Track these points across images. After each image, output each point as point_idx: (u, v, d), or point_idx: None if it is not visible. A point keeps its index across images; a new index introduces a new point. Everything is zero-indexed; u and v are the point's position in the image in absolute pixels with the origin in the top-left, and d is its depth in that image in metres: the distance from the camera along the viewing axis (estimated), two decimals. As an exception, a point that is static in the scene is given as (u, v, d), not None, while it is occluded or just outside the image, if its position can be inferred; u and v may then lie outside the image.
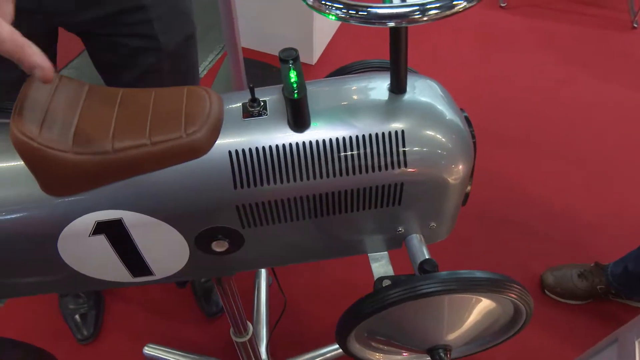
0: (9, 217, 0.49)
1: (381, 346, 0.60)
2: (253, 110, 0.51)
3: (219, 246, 0.55)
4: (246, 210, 0.52)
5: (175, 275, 0.59)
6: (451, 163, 0.53)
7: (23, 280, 0.57)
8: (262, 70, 2.08)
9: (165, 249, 0.55)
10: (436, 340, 0.56)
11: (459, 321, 0.55)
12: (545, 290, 1.48)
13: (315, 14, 1.94)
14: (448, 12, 0.41)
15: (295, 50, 0.51)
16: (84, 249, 0.53)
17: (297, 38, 2.03)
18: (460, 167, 0.54)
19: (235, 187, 0.50)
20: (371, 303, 0.52)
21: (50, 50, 0.85)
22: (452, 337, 0.56)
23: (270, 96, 0.54)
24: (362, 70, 0.71)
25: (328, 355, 1.29)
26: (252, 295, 1.42)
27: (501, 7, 2.34)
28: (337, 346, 1.30)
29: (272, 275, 1.00)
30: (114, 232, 0.52)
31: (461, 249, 1.49)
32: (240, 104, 0.53)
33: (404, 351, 0.62)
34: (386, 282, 0.58)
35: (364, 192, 0.53)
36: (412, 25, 0.43)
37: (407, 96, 0.52)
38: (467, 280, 0.51)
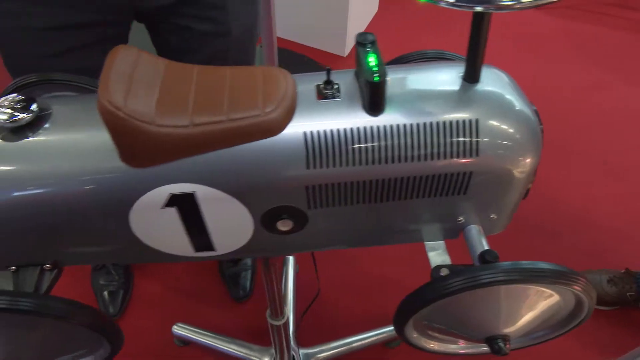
0: (87, 186, 0.51)
1: (437, 335, 0.61)
2: (327, 93, 0.52)
3: (284, 225, 0.56)
4: (315, 190, 0.53)
5: (235, 252, 0.60)
6: (521, 155, 0.53)
7: (90, 249, 0.59)
8: (293, 60, 2.08)
9: (230, 225, 0.56)
10: (494, 331, 0.56)
11: (518, 312, 0.55)
12: (573, 294, 1.46)
13: (351, 4, 1.94)
14: (541, 2, 0.41)
15: (372, 34, 0.51)
16: (153, 221, 0.54)
17: (330, 29, 2.03)
18: (529, 160, 0.54)
19: (307, 167, 0.51)
20: (434, 290, 0.52)
21: (124, 37, 0.86)
22: (510, 328, 0.56)
23: (341, 80, 0.54)
24: (420, 59, 0.72)
25: (354, 345, 1.30)
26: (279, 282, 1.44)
27: (536, 7, 2.31)
28: (363, 336, 1.31)
29: (313, 262, 1.00)
30: (185, 206, 0.53)
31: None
32: (314, 85, 0.53)
33: (460, 340, 0.63)
34: (444, 271, 0.58)
35: (432, 180, 0.53)
36: (501, 11, 0.43)
37: (480, 86, 0.53)
38: (531, 271, 0.51)
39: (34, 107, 0.51)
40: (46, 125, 0.52)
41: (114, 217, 0.53)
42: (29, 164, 0.50)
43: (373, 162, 0.51)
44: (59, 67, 0.78)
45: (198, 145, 0.49)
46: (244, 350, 1.30)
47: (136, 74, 0.49)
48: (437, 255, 0.61)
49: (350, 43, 2.12)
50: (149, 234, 0.56)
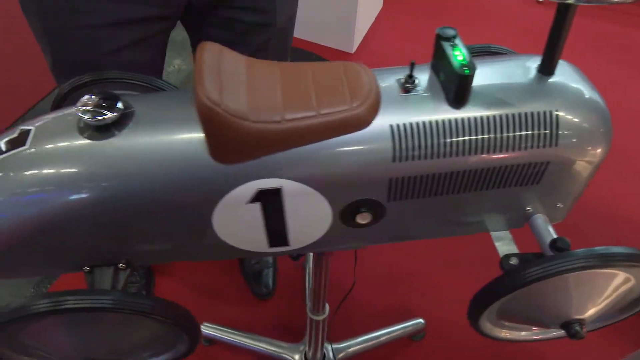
0: (175, 183, 0.51)
1: (509, 323, 0.62)
2: (409, 87, 0.53)
3: (363, 218, 0.57)
4: (398, 183, 0.54)
5: (307, 247, 0.61)
6: (595, 145, 0.54)
7: (166, 247, 0.59)
8: (301, 57, 2.09)
9: (309, 220, 0.57)
10: (569, 316, 0.58)
11: (592, 296, 0.57)
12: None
13: (360, 2, 1.95)
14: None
15: (453, 28, 0.52)
16: (235, 217, 0.54)
17: (338, 26, 2.04)
18: (600, 150, 0.55)
19: (393, 160, 0.52)
20: (513, 280, 0.54)
21: (168, 34, 0.85)
22: (585, 312, 0.58)
23: (416, 74, 0.55)
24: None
25: (382, 338, 1.32)
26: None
27: (538, 2, 2.35)
28: (390, 329, 1.33)
29: (354, 257, 1.00)
30: (270, 201, 0.53)
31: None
32: (394, 80, 0.54)
33: (532, 327, 0.64)
34: (513, 260, 0.60)
35: (511, 170, 0.54)
36: (589, 4, 0.45)
37: (556, 78, 0.54)
38: (607, 256, 0.53)
39: (119, 105, 0.51)
40: (131, 124, 0.52)
41: (198, 214, 0.54)
42: (116, 162, 0.50)
43: (457, 154, 0.52)
44: (109, 65, 0.77)
45: (288, 141, 0.50)
46: (273, 348, 1.30)
47: (223, 70, 0.50)
48: (504, 244, 0.62)
49: (357, 40, 2.13)
50: (228, 230, 0.56)
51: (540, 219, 0.61)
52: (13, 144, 0.53)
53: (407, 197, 0.56)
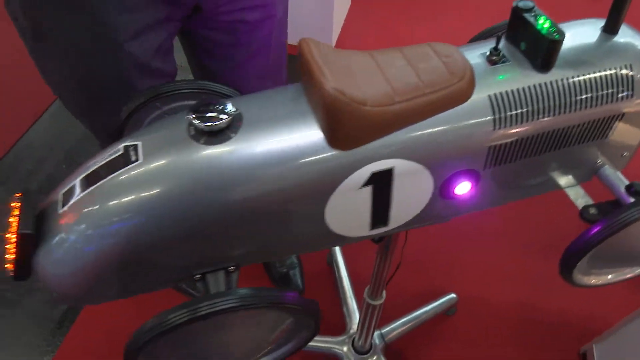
0: (297, 175, 0.52)
1: (597, 270, 0.67)
2: (496, 59, 0.56)
3: (461, 189, 0.60)
4: (495, 150, 0.57)
5: (404, 225, 0.63)
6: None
7: (274, 246, 0.60)
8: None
9: (411, 196, 0.59)
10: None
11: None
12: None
13: (335, 1, 1.99)
14: None
15: (531, 0, 0.56)
16: (347, 203, 0.56)
17: (316, 26, 2.07)
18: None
19: (494, 128, 0.55)
20: (609, 225, 0.58)
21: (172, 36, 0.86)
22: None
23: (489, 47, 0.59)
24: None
25: (422, 317, 1.36)
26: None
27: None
28: (427, 308, 1.37)
29: (405, 237, 1.02)
30: (381, 183, 0.56)
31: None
32: (479, 54, 0.58)
33: (619, 269, 0.69)
34: (592, 210, 0.64)
35: (592, 124, 0.59)
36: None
37: (621, 37, 0.59)
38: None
39: (230, 108, 0.52)
40: (242, 125, 0.53)
41: (314, 205, 0.55)
42: (239, 164, 0.51)
43: (548, 115, 0.56)
44: (136, 79, 0.78)
45: (401, 121, 0.52)
46: (320, 344, 1.31)
47: (331, 62, 0.51)
48: (580, 197, 0.67)
49: (335, 35, 2.17)
50: (337, 218, 0.58)
51: (609, 170, 0.66)
52: (124, 161, 0.53)
53: (500, 164, 0.59)
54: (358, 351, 1.25)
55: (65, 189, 0.56)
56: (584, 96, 0.56)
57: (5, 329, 1.41)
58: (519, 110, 0.55)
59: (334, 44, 2.16)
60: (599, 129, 0.60)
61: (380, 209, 0.59)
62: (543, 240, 1.59)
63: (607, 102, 0.57)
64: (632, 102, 0.58)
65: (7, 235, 0.58)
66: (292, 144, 0.52)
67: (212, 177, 0.51)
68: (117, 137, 0.71)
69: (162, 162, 0.52)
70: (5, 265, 0.59)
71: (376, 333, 1.30)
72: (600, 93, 0.57)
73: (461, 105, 0.54)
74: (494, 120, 0.55)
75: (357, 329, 1.19)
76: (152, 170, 0.52)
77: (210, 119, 0.51)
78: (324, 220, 0.58)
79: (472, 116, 0.55)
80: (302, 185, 0.53)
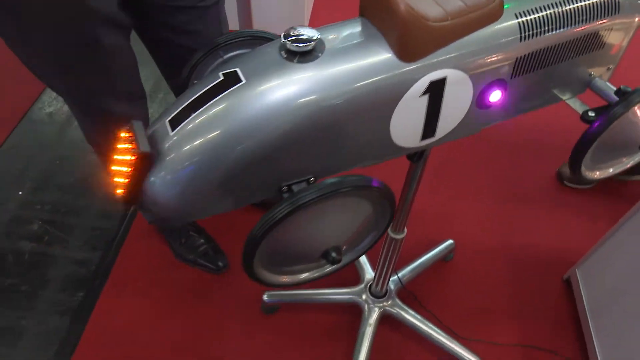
0: (372, 86, 0.63)
1: (599, 165, 0.81)
2: (516, -14, 0.70)
3: (495, 96, 0.73)
4: (522, 60, 0.71)
5: (446, 135, 0.76)
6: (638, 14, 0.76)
7: (344, 156, 0.70)
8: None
9: (455, 106, 0.72)
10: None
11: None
12: (564, 182, 1.79)
13: (305, -10, 2.11)
14: None
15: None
16: (408, 111, 0.68)
17: (290, 13, 2.19)
18: (637, 19, 0.77)
19: (520, 40, 0.69)
20: (606, 119, 0.73)
21: None
22: None
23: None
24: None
25: (425, 263, 1.49)
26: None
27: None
28: (429, 255, 1.50)
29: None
30: (435, 92, 0.68)
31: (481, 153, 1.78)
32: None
33: (619, 159, 0.84)
34: (591, 113, 0.80)
35: (591, 37, 0.74)
36: None
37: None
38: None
39: (314, 33, 0.63)
40: (325, 48, 0.63)
41: (383, 114, 0.66)
42: (329, 77, 0.62)
43: (563, 27, 0.70)
44: None
45: (453, 35, 0.65)
46: (338, 296, 1.41)
47: None
48: (578, 106, 0.82)
49: (307, 22, 2.29)
50: (398, 127, 0.69)
51: (599, 81, 0.82)
52: (228, 84, 0.62)
53: (522, 74, 0.73)
54: (375, 296, 1.37)
55: (170, 117, 0.64)
56: (585, 16, 0.71)
57: (24, 321, 1.41)
58: (539, 24, 0.69)
59: (306, 22, 2.29)
60: (595, 41, 0.75)
61: (432, 119, 0.71)
62: (520, 190, 1.78)
63: (600, 18, 0.73)
64: (617, 17, 0.74)
65: (116, 158, 0.65)
66: (369, 60, 0.64)
67: (309, 89, 0.61)
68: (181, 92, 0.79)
69: (265, 79, 0.61)
70: (117, 191, 0.66)
71: (396, 275, 1.41)
72: (596, 12, 0.72)
73: (496, 22, 0.67)
74: (520, 34, 0.69)
75: (375, 273, 1.30)
76: (258, 87, 0.61)
77: (302, 41, 0.62)
78: (388, 130, 0.69)
79: (504, 31, 0.68)
80: (377, 96, 0.64)
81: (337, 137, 0.66)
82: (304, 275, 0.75)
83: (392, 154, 0.75)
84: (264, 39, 0.78)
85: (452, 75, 0.67)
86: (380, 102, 0.65)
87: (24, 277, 1.49)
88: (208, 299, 1.47)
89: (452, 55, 0.66)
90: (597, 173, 0.82)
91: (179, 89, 0.81)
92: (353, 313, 1.42)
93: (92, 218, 1.65)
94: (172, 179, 0.63)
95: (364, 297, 1.38)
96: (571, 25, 0.71)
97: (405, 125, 0.70)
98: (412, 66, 0.65)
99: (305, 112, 0.62)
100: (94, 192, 1.71)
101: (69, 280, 1.49)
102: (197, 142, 0.62)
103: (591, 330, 1.36)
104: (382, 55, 0.64)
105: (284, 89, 0.61)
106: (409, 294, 1.47)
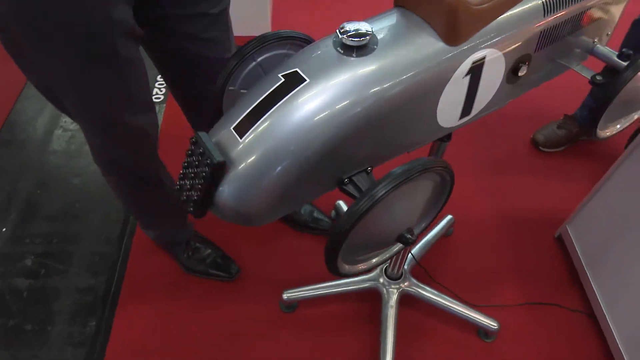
0: (425, 71, 0.67)
1: (610, 123, 0.89)
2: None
3: (521, 71, 0.78)
4: (545, 33, 0.76)
5: (481, 111, 0.80)
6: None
7: (396, 142, 0.73)
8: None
9: (489, 84, 0.76)
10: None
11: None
12: (540, 147, 1.91)
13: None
14: None
15: None
16: (453, 93, 0.72)
17: (253, 11, 2.18)
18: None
19: (544, 15, 0.74)
20: (620, 80, 0.80)
21: None
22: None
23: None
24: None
25: (431, 241, 1.55)
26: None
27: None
28: (433, 233, 1.56)
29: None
30: (476, 72, 0.72)
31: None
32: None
33: (630, 115, 0.92)
34: (598, 76, 0.87)
35: (601, 4, 0.80)
36: None
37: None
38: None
39: (367, 28, 0.65)
40: (378, 41, 0.66)
41: (432, 97, 0.70)
42: (387, 67, 0.65)
43: (574, 3, 0.77)
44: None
45: (490, 16, 0.69)
46: (360, 284, 1.44)
47: None
48: (585, 71, 0.89)
49: (271, 24, 2.30)
50: (443, 109, 0.73)
51: (600, 47, 0.89)
52: (292, 85, 0.63)
53: (544, 47, 0.79)
54: (392, 278, 1.41)
55: (234, 124, 0.65)
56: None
57: None
58: (561, 2, 0.75)
59: (270, 28, 2.29)
60: (600, 9, 0.82)
61: (471, 98, 0.76)
62: (500, 159, 1.88)
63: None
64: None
65: (186, 173, 0.65)
66: (420, 48, 0.67)
67: (372, 79, 0.64)
68: (218, 101, 0.79)
69: (330, 76, 0.63)
70: (190, 205, 0.66)
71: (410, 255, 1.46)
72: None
73: (521, 3, 0.73)
74: (544, 8, 0.74)
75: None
76: (324, 83, 0.63)
77: (358, 35, 0.64)
78: (435, 112, 0.73)
79: (530, 8, 0.73)
80: (430, 79, 0.68)
81: (395, 124, 0.69)
82: (375, 259, 0.78)
83: (435, 136, 0.79)
84: (296, 38, 0.79)
85: (489, 54, 0.72)
86: (432, 87, 0.69)
87: (27, 315, 1.42)
88: (225, 307, 1.46)
89: (490, 35, 0.71)
90: (608, 131, 0.90)
91: (199, 98, 0.81)
92: (371, 299, 1.46)
93: (89, 243, 1.59)
94: (247, 185, 0.64)
95: (381, 280, 1.42)
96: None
97: (449, 106, 0.74)
98: (459, 49, 0.68)
99: (370, 103, 0.64)
100: (85, 217, 1.65)
101: (76, 310, 1.44)
102: (270, 146, 0.63)
103: (589, 278, 1.47)
104: (432, 42, 0.67)
105: (351, 83, 0.63)
106: (420, 271, 1.52)
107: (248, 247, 1.59)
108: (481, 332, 1.43)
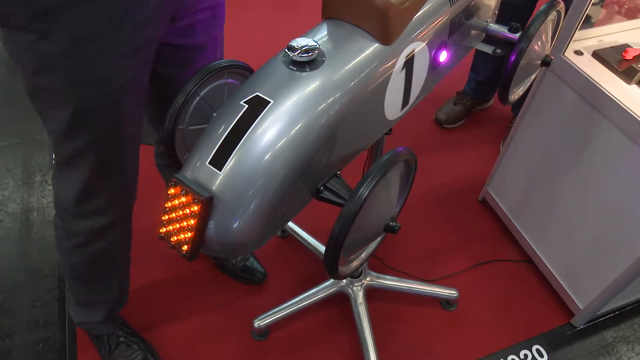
0: (370, 74, 0.72)
1: (516, 88, 1.02)
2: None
3: (442, 56, 0.87)
4: (453, 20, 0.86)
5: (414, 102, 0.88)
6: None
7: (355, 144, 0.78)
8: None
9: (419, 73, 0.84)
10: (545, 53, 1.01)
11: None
12: (444, 125, 2.09)
13: None
14: None
15: None
16: (394, 87, 0.79)
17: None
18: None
19: (450, 5, 0.84)
20: (520, 49, 0.92)
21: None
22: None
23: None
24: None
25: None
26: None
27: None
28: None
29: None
30: (409, 65, 0.79)
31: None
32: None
33: (529, 77, 1.05)
34: (498, 50, 0.99)
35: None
36: None
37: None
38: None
39: (313, 43, 0.69)
40: (325, 54, 0.70)
41: (379, 95, 0.76)
42: (338, 78, 0.69)
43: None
44: (123, 96, 0.84)
45: (411, 14, 0.77)
46: (325, 292, 1.46)
47: None
48: (486, 48, 1.01)
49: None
50: (388, 102, 0.80)
51: (492, 25, 1.02)
52: (257, 108, 0.65)
53: (453, 33, 0.89)
54: (354, 277, 1.46)
55: (209, 158, 0.65)
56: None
57: None
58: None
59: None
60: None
61: (407, 88, 0.83)
62: (411, 141, 2.03)
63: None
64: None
65: (173, 217, 0.64)
66: (363, 52, 0.72)
67: (328, 91, 0.68)
68: (170, 142, 0.79)
69: (291, 93, 0.66)
70: (182, 248, 0.65)
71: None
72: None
73: (430, -2, 0.82)
74: (450, 1, 0.84)
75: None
76: (287, 103, 0.65)
77: (307, 51, 0.68)
78: (383, 107, 0.79)
79: (438, 3, 0.82)
80: (376, 77, 0.74)
81: (356, 126, 0.74)
82: (364, 254, 0.82)
83: (384, 129, 0.85)
84: (231, 67, 0.81)
85: (417, 46, 0.79)
86: (379, 84, 0.75)
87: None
88: None
89: (414, 30, 0.78)
90: (515, 95, 1.02)
91: (165, 143, 0.80)
92: (340, 302, 1.50)
93: (27, 332, 1.44)
94: (236, 215, 0.65)
95: (345, 282, 1.46)
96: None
97: (393, 99, 0.81)
98: (392, 47, 0.75)
99: (334, 110, 0.68)
100: (16, 304, 1.49)
101: (35, 407, 1.30)
102: (250, 173, 0.64)
103: (518, 229, 1.64)
104: (370, 45, 0.73)
105: (313, 96, 0.67)
106: (377, 263, 1.59)
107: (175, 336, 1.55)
108: (444, 302, 1.53)
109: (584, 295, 1.44)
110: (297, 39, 0.69)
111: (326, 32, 0.74)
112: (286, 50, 0.68)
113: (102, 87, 0.80)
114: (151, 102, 1.10)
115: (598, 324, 1.52)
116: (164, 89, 1.02)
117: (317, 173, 0.72)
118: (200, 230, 0.64)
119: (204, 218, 0.63)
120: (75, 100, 0.80)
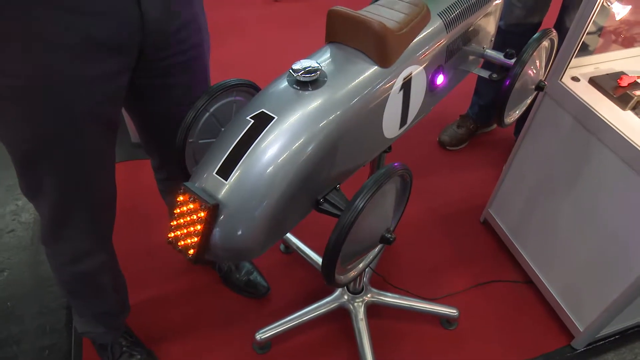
0: (369, 94, 0.77)
1: (512, 112, 1.07)
2: (427, -5, 0.90)
3: (439, 80, 0.92)
4: (448, 47, 0.91)
5: (410, 123, 0.93)
6: (500, -5, 1.03)
7: (354, 160, 0.82)
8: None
9: (417, 95, 0.89)
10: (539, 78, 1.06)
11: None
12: (447, 147, 2.13)
13: None
14: None
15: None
16: (392, 107, 0.83)
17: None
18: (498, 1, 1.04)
19: (447, 31, 0.89)
20: (514, 74, 0.97)
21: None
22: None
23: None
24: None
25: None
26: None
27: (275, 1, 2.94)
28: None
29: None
30: (406, 86, 0.84)
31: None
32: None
33: (524, 100, 1.10)
34: (494, 75, 1.04)
35: (486, 17, 0.98)
36: None
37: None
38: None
39: (314, 64, 0.74)
40: (327, 74, 0.75)
41: (378, 114, 0.81)
42: (340, 97, 0.74)
43: (468, 18, 0.93)
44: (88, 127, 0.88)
45: (408, 40, 0.82)
46: (326, 307, 1.49)
47: (360, 13, 0.78)
48: (483, 73, 1.06)
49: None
50: (386, 122, 0.84)
51: (489, 51, 1.07)
52: (262, 124, 0.70)
53: (450, 57, 0.94)
54: (355, 293, 1.49)
55: (217, 169, 0.70)
56: (480, 4, 0.95)
57: None
58: (457, 16, 0.90)
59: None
60: (485, 21, 1.00)
61: (405, 109, 0.88)
62: (415, 162, 2.07)
63: (487, 3, 0.97)
64: (492, 3, 1.00)
65: (181, 222, 0.68)
66: (362, 74, 0.77)
67: (329, 109, 0.72)
68: (180, 154, 0.84)
69: (294, 110, 0.71)
70: (189, 252, 0.70)
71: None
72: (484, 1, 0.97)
73: (429, 24, 0.87)
74: (445, 26, 0.89)
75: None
76: (290, 119, 0.70)
77: (309, 72, 0.73)
78: (382, 125, 0.84)
79: (436, 29, 0.88)
80: (375, 98, 0.78)
81: (355, 143, 0.78)
82: (362, 264, 0.85)
83: (382, 147, 0.90)
84: (239, 85, 0.87)
85: (414, 70, 0.84)
86: (377, 104, 0.80)
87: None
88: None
89: (411, 54, 0.83)
90: (513, 118, 1.07)
91: (175, 158, 0.85)
92: (341, 318, 1.52)
93: (34, 339, 1.48)
94: (240, 222, 0.69)
95: (346, 297, 1.49)
96: (473, 12, 0.94)
97: (391, 119, 0.85)
98: (390, 70, 0.80)
99: (334, 127, 0.73)
100: (25, 311, 1.54)
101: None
102: (254, 184, 0.68)
103: (519, 249, 1.66)
104: (369, 67, 0.78)
105: (314, 114, 0.71)
106: (378, 280, 1.62)
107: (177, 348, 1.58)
108: (444, 321, 1.55)
109: (583, 317, 1.45)
110: (301, 61, 0.74)
111: (329, 55, 0.80)
112: (291, 70, 0.74)
113: (59, 117, 0.83)
114: (143, 136, 1.16)
115: (598, 347, 1.53)
116: (155, 125, 1.08)
117: (317, 185, 0.76)
118: (206, 235, 0.68)
119: (210, 224, 0.67)
120: (30, 132, 0.84)
